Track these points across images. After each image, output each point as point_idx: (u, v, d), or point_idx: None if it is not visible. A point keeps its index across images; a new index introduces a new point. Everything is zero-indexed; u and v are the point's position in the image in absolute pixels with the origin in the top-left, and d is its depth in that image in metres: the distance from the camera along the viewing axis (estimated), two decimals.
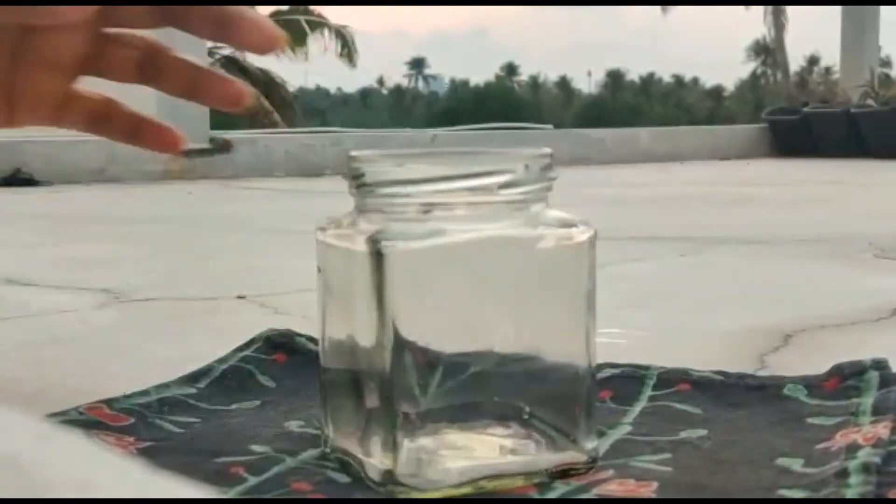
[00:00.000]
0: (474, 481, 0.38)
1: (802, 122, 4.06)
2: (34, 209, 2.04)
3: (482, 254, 0.39)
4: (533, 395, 0.40)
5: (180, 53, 0.51)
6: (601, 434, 0.43)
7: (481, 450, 0.40)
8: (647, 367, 0.51)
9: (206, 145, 2.92)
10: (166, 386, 0.50)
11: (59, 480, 0.15)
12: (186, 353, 0.59)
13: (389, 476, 0.38)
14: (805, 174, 2.97)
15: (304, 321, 0.55)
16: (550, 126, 4.48)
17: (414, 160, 0.41)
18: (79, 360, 0.66)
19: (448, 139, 3.51)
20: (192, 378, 0.52)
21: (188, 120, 2.89)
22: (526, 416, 0.40)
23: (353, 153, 0.41)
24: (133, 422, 0.46)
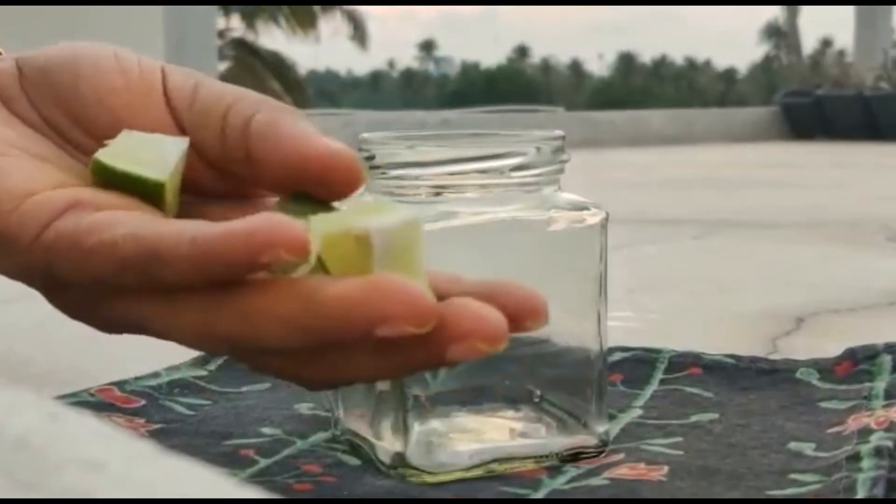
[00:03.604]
0: (485, 464, 0.38)
1: (815, 105, 4.04)
2: None
3: (493, 236, 0.39)
4: (543, 379, 0.40)
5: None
6: (612, 417, 0.43)
7: (492, 433, 0.40)
8: (658, 351, 0.51)
9: None
10: (177, 368, 0.50)
11: (70, 461, 0.15)
12: None
13: (400, 459, 0.38)
14: (818, 157, 2.96)
15: None
16: (562, 108, 4.47)
17: (425, 142, 0.41)
18: (89, 342, 0.66)
19: (459, 121, 3.50)
20: (203, 360, 0.52)
21: None
22: (536, 400, 0.40)
23: (364, 135, 0.41)
24: (143, 404, 0.46)
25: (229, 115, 0.35)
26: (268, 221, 0.27)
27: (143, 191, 0.33)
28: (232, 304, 0.29)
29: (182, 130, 0.36)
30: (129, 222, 0.31)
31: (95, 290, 0.31)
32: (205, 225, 0.29)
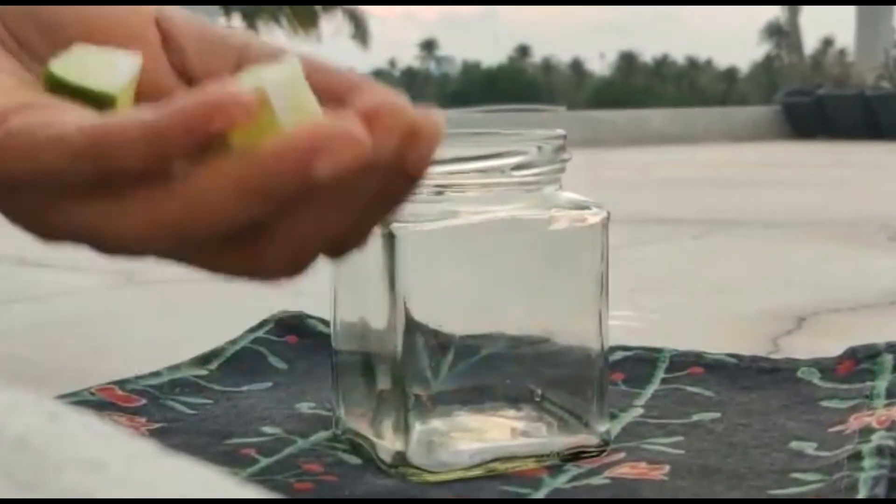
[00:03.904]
0: (486, 463, 0.38)
1: (816, 105, 4.04)
2: None
3: (494, 236, 0.39)
4: (545, 378, 0.40)
5: None
6: (613, 417, 0.43)
7: (493, 432, 0.40)
8: (659, 350, 0.51)
9: None
10: (178, 367, 0.50)
11: (71, 461, 0.15)
12: (198, 334, 0.60)
13: (401, 458, 0.38)
14: (819, 156, 2.96)
15: (315, 303, 0.55)
16: (563, 108, 4.47)
17: None
18: (90, 341, 0.66)
19: (460, 121, 3.50)
20: (204, 359, 0.52)
21: None
22: (538, 399, 0.40)
23: None
24: (145, 403, 0.46)
25: (251, 50, 0.36)
26: (214, 87, 0.28)
27: (95, 104, 0.33)
28: (178, 188, 0.29)
29: (176, 61, 0.36)
30: (81, 116, 0.30)
31: (46, 190, 0.31)
32: (153, 107, 0.29)
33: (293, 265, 0.33)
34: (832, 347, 0.50)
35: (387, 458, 0.38)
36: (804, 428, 0.42)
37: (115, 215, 0.30)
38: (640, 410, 0.45)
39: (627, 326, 0.66)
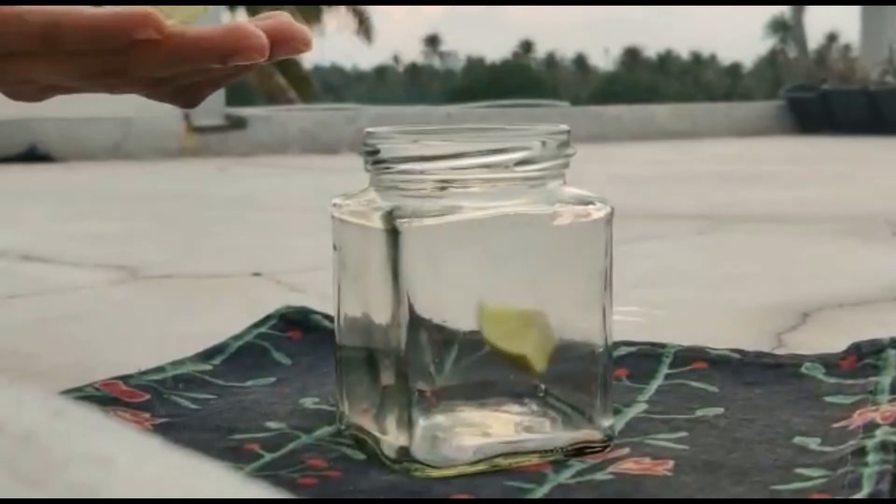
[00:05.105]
0: (489, 459, 0.38)
1: (821, 100, 4.03)
2: (50, 186, 2.05)
3: (498, 231, 0.39)
4: (549, 373, 0.40)
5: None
6: (617, 412, 0.43)
7: (497, 427, 0.40)
8: (663, 346, 0.51)
9: (221, 122, 2.92)
10: (182, 362, 0.50)
11: (76, 456, 0.15)
12: (201, 329, 0.60)
13: (404, 453, 0.38)
14: (823, 152, 2.95)
15: (319, 298, 0.55)
16: (567, 103, 4.46)
17: (430, 136, 0.41)
18: (94, 337, 0.66)
19: (464, 116, 3.50)
20: (208, 355, 0.52)
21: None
22: (541, 394, 0.40)
23: (369, 129, 0.41)
24: (149, 398, 0.46)
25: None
26: (142, 8, 0.40)
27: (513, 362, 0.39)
28: (120, 55, 0.41)
29: None
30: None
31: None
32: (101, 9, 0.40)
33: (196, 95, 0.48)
34: (836, 343, 0.50)
35: (390, 453, 0.38)
36: (808, 423, 0.42)
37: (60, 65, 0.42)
38: (644, 406, 0.45)
39: (631, 321, 0.66)
